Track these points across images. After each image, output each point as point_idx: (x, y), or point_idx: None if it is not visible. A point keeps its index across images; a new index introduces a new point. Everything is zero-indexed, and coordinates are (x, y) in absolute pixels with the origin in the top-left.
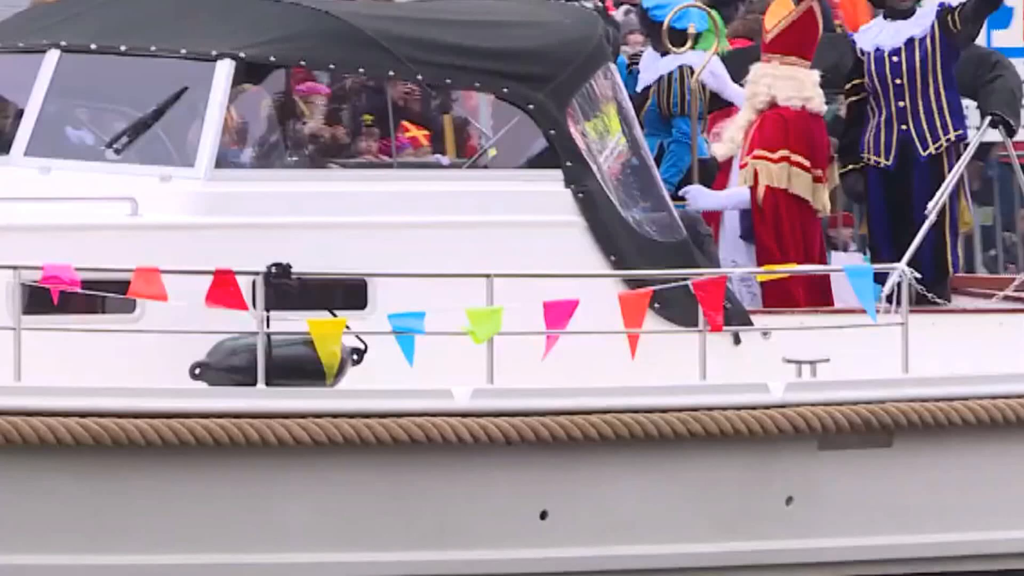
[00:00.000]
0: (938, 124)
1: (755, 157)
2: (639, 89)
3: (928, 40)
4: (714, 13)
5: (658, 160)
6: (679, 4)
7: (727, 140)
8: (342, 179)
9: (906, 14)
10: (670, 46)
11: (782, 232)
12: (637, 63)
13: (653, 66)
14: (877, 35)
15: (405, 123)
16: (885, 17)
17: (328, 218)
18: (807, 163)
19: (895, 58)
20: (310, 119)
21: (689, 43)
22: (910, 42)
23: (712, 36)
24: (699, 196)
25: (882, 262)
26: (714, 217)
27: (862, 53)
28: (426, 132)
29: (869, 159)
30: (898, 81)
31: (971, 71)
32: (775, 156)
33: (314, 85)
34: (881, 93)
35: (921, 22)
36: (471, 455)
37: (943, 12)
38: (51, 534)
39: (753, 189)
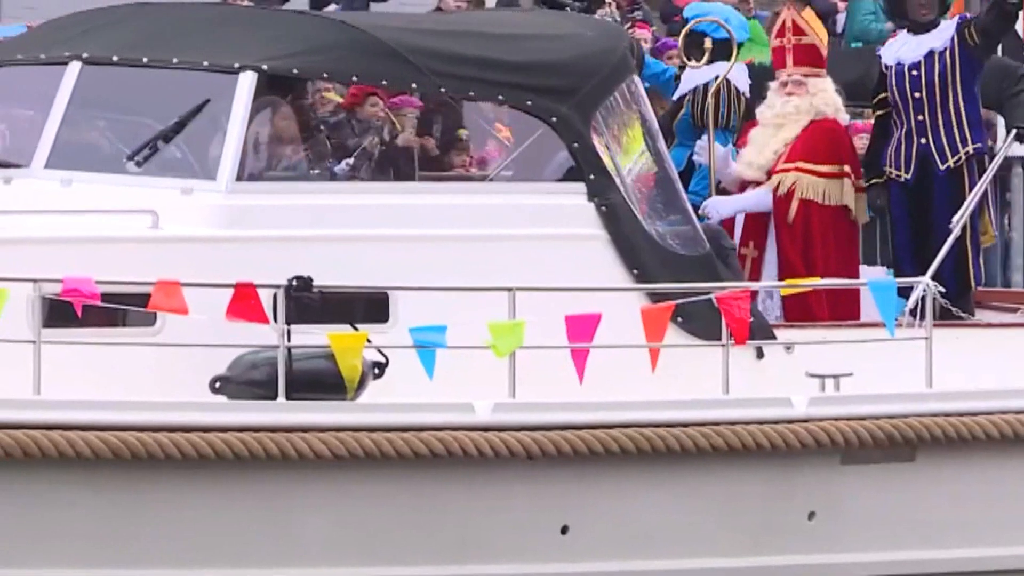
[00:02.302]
0: (957, 138)
1: (798, 170)
2: (675, 98)
3: (948, 53)
4: (755, 23)
5: (690, 170)
6: (712, 15)
7: (748, 163)
8: (364, 192)
9: (928, 27)
10: (686, 59)
11: (812, 246)
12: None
13: (691, 76)
14: (899, 49)
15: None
16: (909, 31)
17: (350, 231)
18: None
19: (915, 72)
20: (401, 132)
21: (707, 56)
22: (930, 55)
23: (754, 46)
24: (717, 206)
25: (905, 276)
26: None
27: (885, 67)
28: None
29: (890, 173)
30: (917, 95)
31: (996, 84)
32: (823, 170)
33: (407, 99)
34: (901, 107)
35: (942, 35)
36: (492, 469)
37: (963, 25)
38: (70, 548)
39: (781, 201)
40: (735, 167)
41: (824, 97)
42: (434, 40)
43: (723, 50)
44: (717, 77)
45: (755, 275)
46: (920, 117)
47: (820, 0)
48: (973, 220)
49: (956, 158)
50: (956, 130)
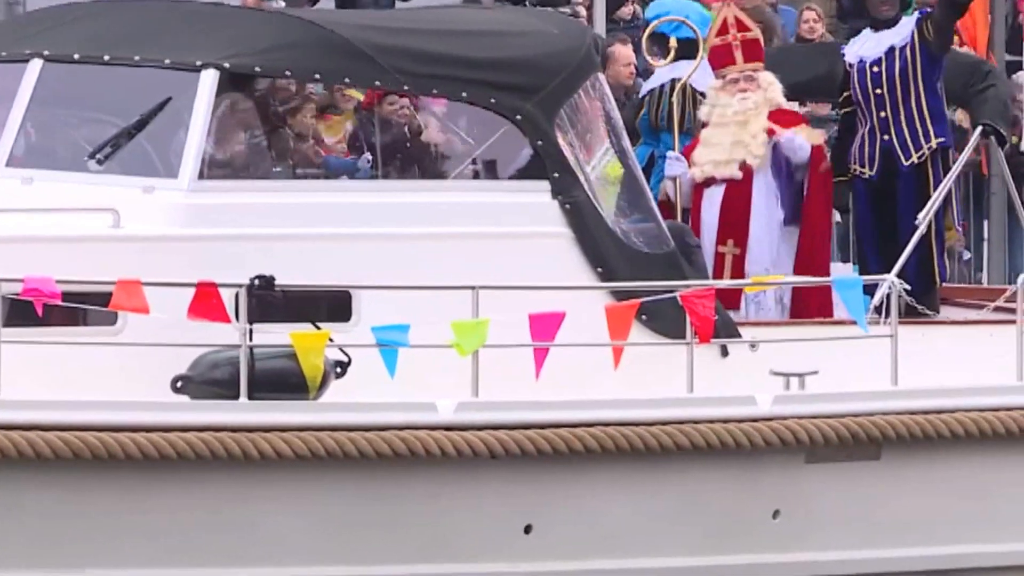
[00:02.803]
0: (920, 133)
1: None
2: (639, 97)
3: (908, 49)
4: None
5: (650, 168)
6: (672, 15)
7: (714, 163)
8: (326, 190)
9: (890, 24)
10: (649, 58)
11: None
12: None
13: (656, 76)
14: (861, 46)
15: None
16: (871, 28)
17: (312, 229)
18: None
19: (876, 68)
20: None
21: (671, 55)
22: (890, 51)
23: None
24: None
25: (870, 273)
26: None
27: (848, 66)
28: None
29: (855, 170)
30: (879, 91)
31: (962, 81)
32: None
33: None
34: (864, 104)
35: (901, 31)
36: (455, 469)
37: (922, 20)
38: (30, 550)
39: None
40: (688, 173)
41: (775, 89)
42: (397, 37)
43: (688, 49)
44: (674, 80)
45: (737, 274)
46: (883, 114)
47: None
48: (938, 217)
49: (920, 153)
50: (919, 125)
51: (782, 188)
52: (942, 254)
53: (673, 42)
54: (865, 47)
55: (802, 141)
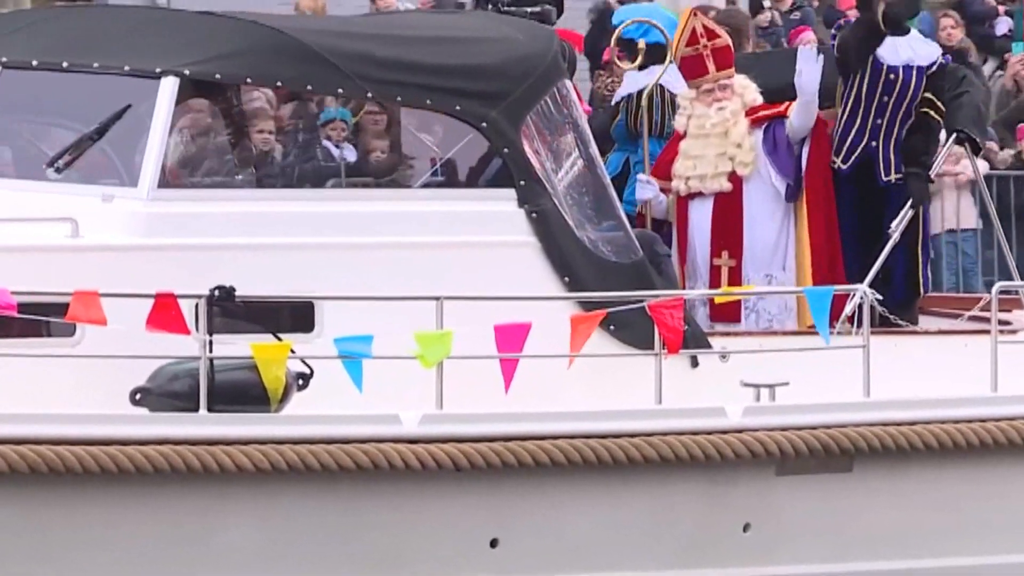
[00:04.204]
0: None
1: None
2: (613, 103)
3: (924, 73)
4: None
5: (625, 176)
6: (638, 16)
7: (700, 177)
8: (289, 199)
9: (900, 29)
10: (618, 62)
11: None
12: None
13: (631, 82)
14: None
15: None
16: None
17: (274, 239)
18: None
19: (892, 76)
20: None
21: (639, 58)
22: (909, 68)
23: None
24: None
25: (850, 279)
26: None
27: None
28: None
29: (833, 160)
30: (885, 99)
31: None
32: None
33: None
34: (865, 102)
35: (924, 51)
36: (420, 482)
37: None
38: None
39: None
40: (660, 197)
41: (751, 91)
42: (360, 43)
43: (657, 53)
44: (660, 86)
45: (735, 286)
46: (879, 121)
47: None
48: (924, 226)
49: (899, 177)
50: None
51: (780, 162)
52: (927, 264)
53: (642, 44)
54: (882, 48)
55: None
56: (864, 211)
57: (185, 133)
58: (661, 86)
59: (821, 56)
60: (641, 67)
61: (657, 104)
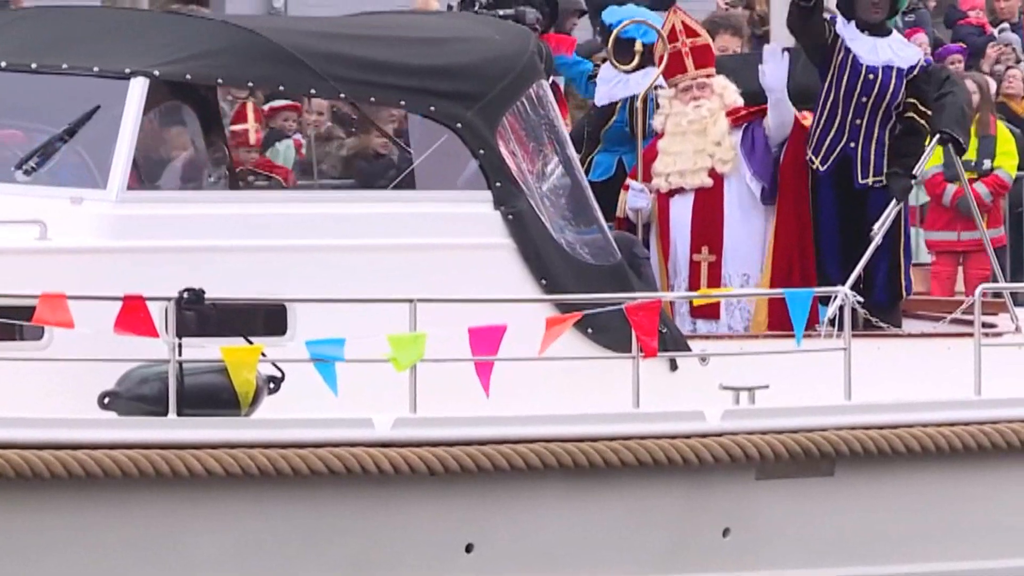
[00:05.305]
0: (884, 159)
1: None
2: (601, 103)
3: (904, 76)
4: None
5: (619, 178)
6: (633, 17)
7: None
8: (260, 200)
9: (882, 30)
10: (615, 63)
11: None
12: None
13: (621, 81)
14: (855, 42)
15: None
16: (859, 27)
17: (245, 241)
18: None
19: (871, 76)
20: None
21: (636, 59)
22: (889, 70)
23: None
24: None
25: (828, 282)
26: None
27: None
28: None
29: (810, 159)
30: (864, 99)
31: (926, 88)
32: None
33: None
34: (843, 101)
35: (905, 55)
36: (393, 486)
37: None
38: None
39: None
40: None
41: (730, 93)
42: (334, 44)
43: (650, 55)
44: (656, 85)
45: (714, 282)
46: (858, 121)
47: None
48: (906, 228)
49: (877, 179)
50: (885, 152)
51: (756, 164)
52: (909, 266)
53: (639, 46)
54: (861, 47)
55: (786, 104)
56: (843, 213)
57: (157, 134)
58: (658, 87)
59: (786, 54)
60: (635, 68)
61: (652, 108)
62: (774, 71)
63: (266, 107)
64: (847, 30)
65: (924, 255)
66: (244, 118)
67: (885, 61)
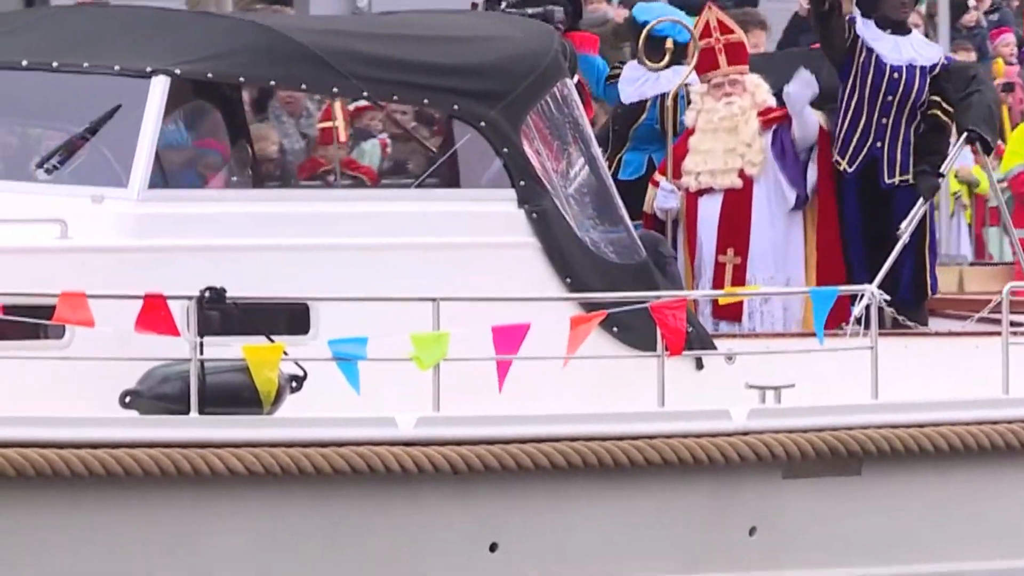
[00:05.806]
0: (910, 158)
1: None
2: (628, 101)
3: (927, 74)
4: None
5: (647, 175)
6: (665, 15)
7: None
8: (283, 199)
9: (903, 29)
10: (647, 61)
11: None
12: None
13: (650, 79)
14: (879, 42)
15: None
16: (879, 26)
17: (269, 240)
18: None
19: (896, 75)
20: None
21: (667, 58)
22: (912, 68)
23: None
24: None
25: (854, 281)
26: None
27: (868, 50)
28: None
29: (838, 162)
30: (889, 98)
31: (947, 85)
32: None
33: None
34: (869, 100)
35: (927, 54)
36: (416, 486)
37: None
38: None
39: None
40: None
41: (762, 91)
42: (356, 42)
43: (681, 53)
44: (686, 84)
45: (737, 285)
46: (884, 120)
47: None
48: (932, 228)
49: (903, 178)
50: (911, 151)
51: (789, 170)
52: (935, 265)
53: (669, 43)
54: (884, 46)
55: (808, 116)
56: (868, 213)
57: (179, 133)
58: (687, 85)
59: (813, 79)
60: (666, 66)
61: (683, 106)
62: (797, 94)
63: (351, 107)
64: (868, 30)
65: (1008, 254)
66: (332, 116)
67: (908, 59)
